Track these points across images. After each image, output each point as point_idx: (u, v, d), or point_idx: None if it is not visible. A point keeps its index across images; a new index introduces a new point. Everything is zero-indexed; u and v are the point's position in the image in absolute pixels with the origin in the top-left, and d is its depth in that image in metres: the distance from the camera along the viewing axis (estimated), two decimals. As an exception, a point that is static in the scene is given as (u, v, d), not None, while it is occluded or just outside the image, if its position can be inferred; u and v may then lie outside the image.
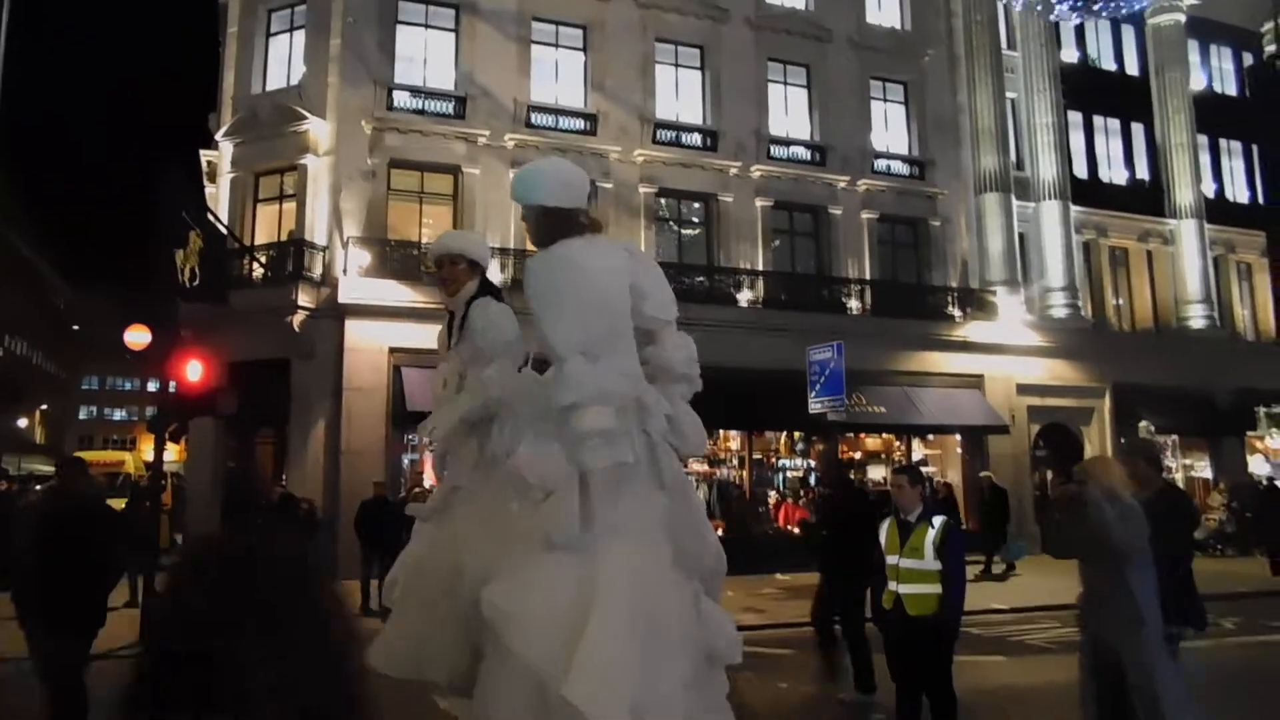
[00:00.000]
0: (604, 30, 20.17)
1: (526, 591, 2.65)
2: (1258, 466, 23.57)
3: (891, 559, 5.64)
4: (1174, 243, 25.32)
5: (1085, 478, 5.16)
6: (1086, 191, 24.24)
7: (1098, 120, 25.32)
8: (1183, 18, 25.92)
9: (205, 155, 21.63)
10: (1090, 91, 24.81)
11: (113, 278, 66.26)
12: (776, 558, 16.30)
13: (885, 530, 5.82)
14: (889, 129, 22.85)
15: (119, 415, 77.36)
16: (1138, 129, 25.83)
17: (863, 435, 20.86)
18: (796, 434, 20.10)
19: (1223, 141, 26.73)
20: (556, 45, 20.11)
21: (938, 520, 5.60)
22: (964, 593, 5.60)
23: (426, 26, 19.21)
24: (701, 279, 19.90)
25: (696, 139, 20.70)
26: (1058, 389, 22.32)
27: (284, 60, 19.15)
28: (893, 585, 5.59)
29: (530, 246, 3.30)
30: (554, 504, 2.75)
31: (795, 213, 21.75)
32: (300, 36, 18.99)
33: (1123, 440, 22.14)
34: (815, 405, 14.61)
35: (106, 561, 5.85)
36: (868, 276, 21.52)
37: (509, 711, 2.58)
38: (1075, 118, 24.64)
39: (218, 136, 19.55)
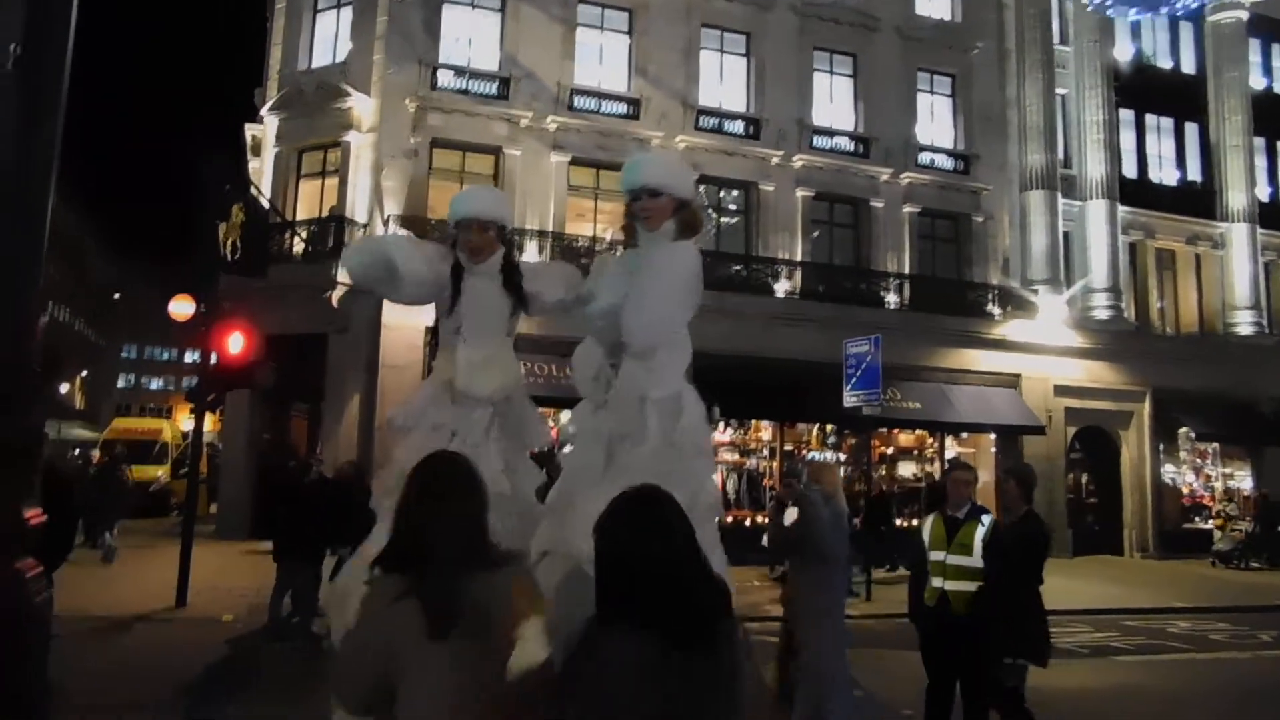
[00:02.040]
0: (649, 14, 20.04)
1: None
2: (1300, 476, 23.07)
3: (937, 555, 5.50)
4: (1224, 247, 24.76)
5: (810, 480, 5.88)
6: (1135, 191, 23.76)
7: (1150, 119, 24.77)
8: (1245, 15, 25.21)
9: (250, 129, 21.84)
10: (1143, 89, 24.27)
11: (154, 249, 67.24)
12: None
13: (929, 525, 5.71)
14: (934, 122, 22.53)
15: (156, 384, 78.75)
16: (1191, 129, 25.24)
17: (896, 431, 20.68)
18: (829, 426, 19.97)
19: (1279, 143, 26.05)
20: (601, 28, 20.02)
21: (987, 518, 5.49)
22: None
23: (473, 7, 19.19)
24: (739, 268, 19.77)
25: (739, 126, 20.53)
26: (1096, 391, 21.97)
27: (330, 37, 19.24)
28: (938, 582, 5.47)
29: (616, 232, 3.45)
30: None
31: (836, 204, 21.53)
32: (347, 14, 19.06)
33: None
34: (850, 399, 14.49)
35: None
36: (907, 271, 21.28)
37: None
38: (1127, 115, 24.13)
39: (263, 111, 19.72)
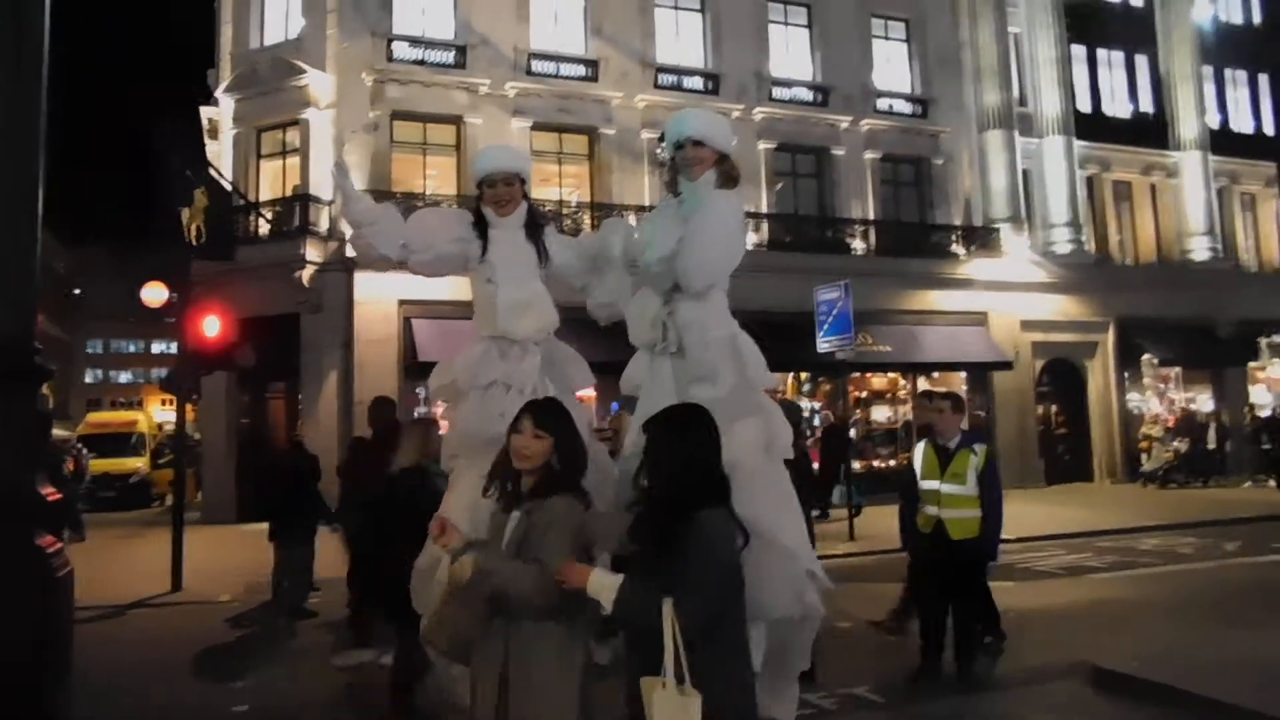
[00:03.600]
0: (602, -27, 19.91)
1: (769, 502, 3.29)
2: (1259, 396, 23.76)
3: (930, 484, 5.71)
4: (1178, 175, 25.22)
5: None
6: (1090, 126, 24.08)
7: (1101, 53, 25.04)
8: (1187, -55, 25.50)
9: (206, 112, 21.52)
10: (1093, 24, 24.52)
11: (114, 238, 65.92)
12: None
13: (921, 454, 5.89)
14: (891, 67, 22.65)
15: (124, 377, 77.71)
16: (1141, 61, 25.56)
17: (869, 375, 21.04)
18: (804, 374, 20.29)
19: (1228, 71, 26.45)
20: (555, -10, 19.88)
21: (979, 447, 5.73)
22: (1002, 518, 5.76)
23: (423, -26, 18.97)
24: (706, 224, 19.86)
25: (698, 83, 20.56)
26: (1062, 324, 22.46)
27: (282, 14, 18.96)
28: (932, 510, 5.68)
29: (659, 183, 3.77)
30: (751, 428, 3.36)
31: (798, 154, 21.67)
32: (297, -12, 18.78)
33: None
34: (824, 345, 14.71)
35: None
36: (871, 216, 21.53)
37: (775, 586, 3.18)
38: (1078, 51, 24.38)
39: (218, 93, 19.45)
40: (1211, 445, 21.68)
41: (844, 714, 5.47)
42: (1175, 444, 20.89)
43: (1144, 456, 21.35)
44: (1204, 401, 24.48)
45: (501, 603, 2.80)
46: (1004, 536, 12.75)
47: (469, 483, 3.55)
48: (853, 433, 18.81)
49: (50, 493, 3.76)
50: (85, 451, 17.32)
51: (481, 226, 3.90)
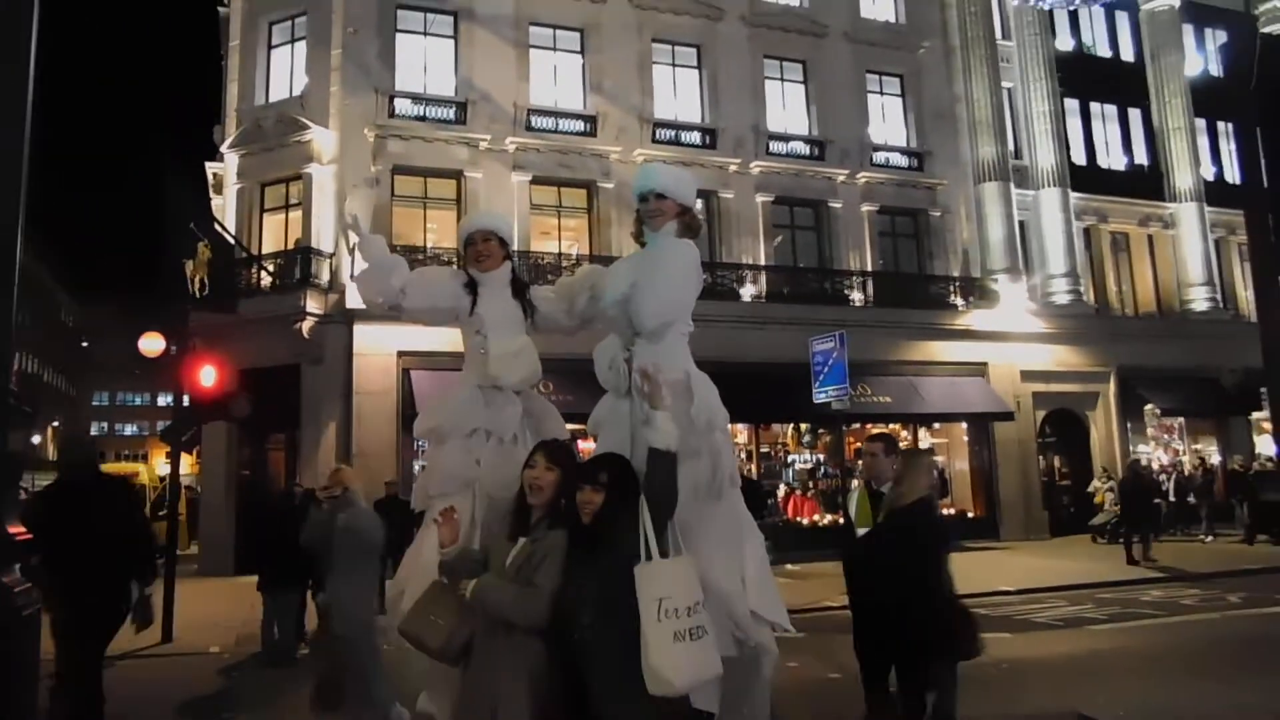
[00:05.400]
0: (600, 32, 20.36)
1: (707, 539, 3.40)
2: (1265, 446, 23.58)
3: (864, 531, 5.35)
4: (1175, 226, 25.40)
5: (342, 482, 6.41)
6: (1086, 178, 24.34)
7: (1095, 107, 25.41)
8: (1176, 2, 26.01)
9: (211, 167, 21.91)
10: (1086, 78, 24.93)
11: (121, 292, 66.68)
12: (787, 548, 16.42)
13: (855, 501, 5.59)
14: (887, 121, 23.00)
15: (130, 430, 77.84)
16: (1135, 114, 25.91)
17: (869, 425, 20.94)
18: (803, 425, 20.26)
19: (1220, 124, 26.79)
20: (554, 49, 20.30)
21: None
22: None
23: (425, 34, 19.40)
24: (704, 276, 19.98)
25: (695, 137, 20.88)
26: (1062, 374, 22.44)
27: (286, 71, 19.39)
28: None
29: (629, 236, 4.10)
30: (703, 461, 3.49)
31: (795, 207, 21.91)
32: (301, 48, 19.23)
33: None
34: (820, 395, 14.75)
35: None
36: (869, 268, 21.67)
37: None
38: (1072, 105, 24.76)
39: (223, 149, 19.82)
40: (1173, 499, 20.56)
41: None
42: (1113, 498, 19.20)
43: (1100, 513, 19.78)
44: (1209, 451, 24.35)
45: (496, 619, 3.13)
46: (1004, 588, 12.83)
47: None
48: (855, 482, 18.68)
49: (20, 533, 3.77)
50: None
51: (473, 285, 4.13)
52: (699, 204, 21.17)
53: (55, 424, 58.41)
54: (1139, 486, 17.19)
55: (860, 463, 6.68)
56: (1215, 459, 23.92)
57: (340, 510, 6.25)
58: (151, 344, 11.96)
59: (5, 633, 3.45)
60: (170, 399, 14.01)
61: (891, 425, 21.23)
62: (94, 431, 75.69)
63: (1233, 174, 27.18)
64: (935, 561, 5.07)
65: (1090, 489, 20.77)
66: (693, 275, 3.79)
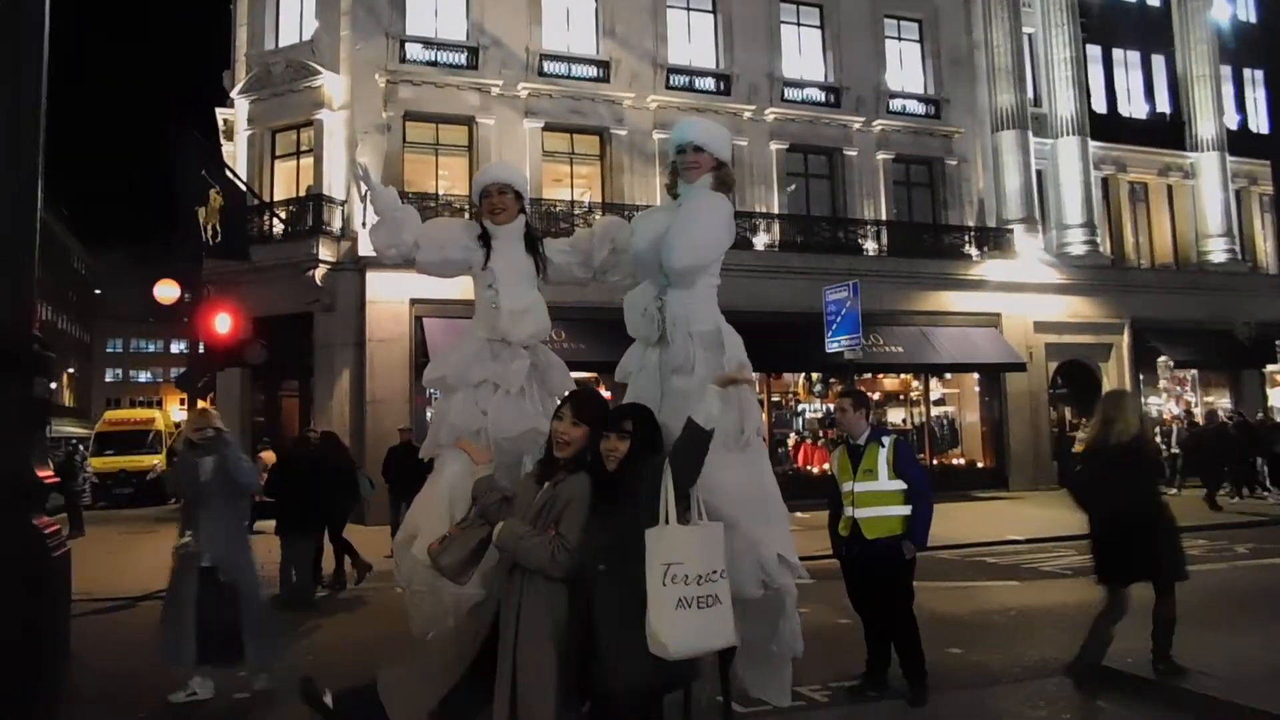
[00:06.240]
0: (614, -25, 19.98)
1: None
2: (1278, 399, 23.53)
3: (846, 485, 5.52)
4: (1195, 176, 25.03)
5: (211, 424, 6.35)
6: (1105, 126, 23.95)
7: (1117, 53, 24.90)
8: (1205, -55, 25.32)
9: (221, 113, 21.75)
10: (1109, 24, 24.40)
11: (133, 240, 66.87)
12: (797, 497, 16.52)
13: (836, 458, 5.72)
14: (904, 68, 22.62)
15: (144, 377, 78.52)
16: (1158, 61, 25.40)
17: (881, 376, 21.00)
18: (815, 375, 20.27)
19: (1246, 71, 26.23)
20: (567, -9, 19.96)
21: (886, 439, 5.51)
22: (932, 507, 5.45)
23: (436, -23, 19.08)
24: (720, 225, 19.88)
25: (710, 83, 20.59)
26: (1076, 326, 22.32)
27: (296, 16, 19.16)
28: (849, 511, 5.47)
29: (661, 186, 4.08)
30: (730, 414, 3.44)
31: (810, 155, 21.66)
32: (311, -10, 18.95)
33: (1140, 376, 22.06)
34: (832, 345, 14.75)
35: None
36: (883, 217, 21.49)
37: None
38: (1094, 51, 24.26)
39: (233, 94, 19.67)
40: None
41: (835, 706, 5.47)
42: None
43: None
44: (1221, 403, 24.25)
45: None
46: (1013, 537, 12.91)
47: (452, 472, 3.80)
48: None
49: (49, 476, 3.83)
50: (83, 449, 17.58)
51: (486, 238, 4.13)
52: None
53: (70, 371, 58.93)
54: (1219, 437, 17.64)
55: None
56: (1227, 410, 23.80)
57: (212, 453, 6.18)
58: (166, 290, 12.04)
59: (38, 573, 3.53)
60: (184, 346, 14.09)
61: (904, 376, 21.31)
62: (108, 378, 76.48)
63: (1258, 123, 26.73)
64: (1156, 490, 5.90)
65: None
66: (727, 225, 3.81)
